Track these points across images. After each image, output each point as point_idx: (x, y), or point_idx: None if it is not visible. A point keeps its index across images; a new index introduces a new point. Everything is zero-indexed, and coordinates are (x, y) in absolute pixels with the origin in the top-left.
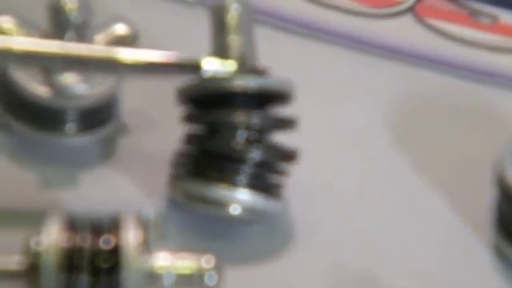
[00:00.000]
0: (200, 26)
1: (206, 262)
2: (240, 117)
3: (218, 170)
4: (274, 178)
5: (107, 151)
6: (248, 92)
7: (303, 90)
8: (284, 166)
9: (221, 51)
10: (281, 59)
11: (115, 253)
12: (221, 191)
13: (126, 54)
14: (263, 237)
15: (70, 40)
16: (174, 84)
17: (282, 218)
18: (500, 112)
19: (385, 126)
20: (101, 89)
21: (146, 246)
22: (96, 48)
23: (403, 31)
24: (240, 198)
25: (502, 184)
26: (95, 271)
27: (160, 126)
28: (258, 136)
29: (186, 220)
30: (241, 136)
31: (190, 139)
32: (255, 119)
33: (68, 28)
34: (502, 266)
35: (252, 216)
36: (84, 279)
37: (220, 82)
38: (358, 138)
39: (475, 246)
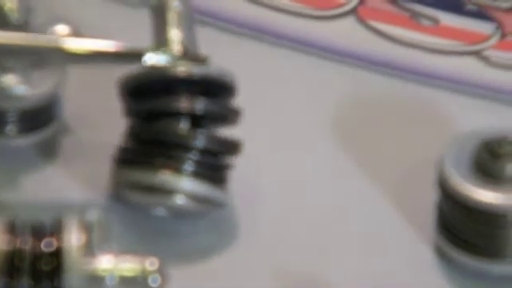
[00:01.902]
0: (143, 27)
1: (150, 264)
2: (183, 103)
3: (162, 158)
4: (220, 167)
5: (49, 152)
6: (191, 78)
7: (245, 91)
8: (228, 156)
9: (162, 43)
10: (223, 60)
11: (57, 255)
12: (165, 179)
13: (70, 43)
14: (207, 233)
15: None
16: (115, 81)
17: (226, 215)
18: (441, 113)
19: (327, 127)
20: (41, 89)
21: (89, 249)
22: (40, 37)
23: (345, 33)
24: (185, 185)
25: (442, 184)
26: (37, 274)
27: (102, 125)
28: (202, 123)
29: (129, 218)
30: (184, 123)
31: (133, 129)
32: (199, 105)
33: (8, 29)
34: (443, 265)
35: (197, 205)
36: (25, 282)
37: (162, 70)
38: (301, 137)
39: (418, 245)
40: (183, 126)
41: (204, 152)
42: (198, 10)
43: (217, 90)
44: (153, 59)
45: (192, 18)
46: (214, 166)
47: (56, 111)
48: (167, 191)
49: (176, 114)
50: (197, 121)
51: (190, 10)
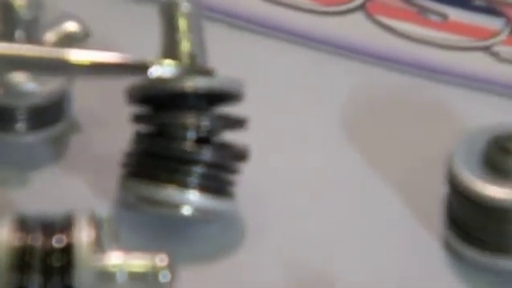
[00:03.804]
0: (151, 23)
1: (160, 260)
2: (189, 118)
3: (168, 172)
4: (226, 178)
5: (58, 150)
6: (197, 92)
7: (255, 88)
8: (235, 165)
9: (170, 52)
10: (233, 57)
11: (67, 251)
12: (172, 193)
13: (75, 55)
14: (215, 236)
15: (19, 37)
16: (126, 82)
17: (234, 217)
18: (451, 109)
19: (337, 123)
20: (51, 87)
21: (99, 245)
22: (45, 49)
23: (354, 29)
24: (191, 199)
25: (451, 180)
26: (47, 270)
27: (112, 124)
28: (208, 137)
29: (136, 220)
30: (190, 137)
31: (140, 139)
32: (205, 120)
33: (18, 25)
34: (452, 261)
35: (204, 216)
36: (36, 278)
37: (169, 83)
38: (310, 134)
39: (427, 241)
40: (189, 139)
41: (210, 165)
42: (207, 6)
43: (223, 100)
44: (159, 71)
45: (201, 19)
46: (221, 177)
47: (66, 108)
48: (174, 205)
49: (182, 128)
50: (203, 133)
51: (199, 9)
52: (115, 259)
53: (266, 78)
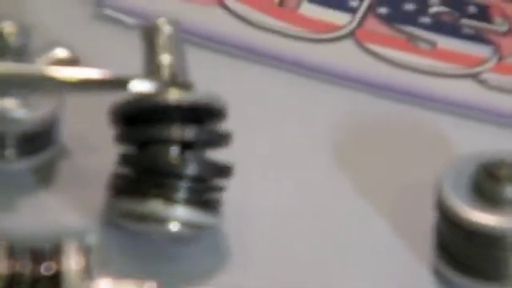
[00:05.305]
0: (138, 48)
1: None
2: (173, 131)
3: (154, 187)
4: (211, 193)
5: (47, 175)
6: (180, 105)
7: (242, 114)
8: (220, 180)
9: (151, 69)
10: (220, 83)
11: (56, 279)
12: (158, 208)
13: (56, 72)
14: (200, 257)
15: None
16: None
17: (219, 237)
18: (439, 136)
19: (324, 148)
20: (41, 113)
21: (88, 273)
22: (29, 66)
23: (343, 56)
24: (178, 214)
25: (440, 206)
26: None
27: (100, 149)
28: (193, 150)
29: (124, 242)
30: (175, 151)
31: (125, 158)
32: (189, 133)
33: (6, 52)
34: None
35: (191, 231)
36: None
37: (151, 98)
38: (296, 159)
39: (416, 268)
40: (173, 153)
41: (196, 179)
42: (195, 32)
43: (206, 115)
44: (138, 87)
45: (182, 42)
46: (206, 192)
47: (55, 135)
48: (160, 220)
49: (166, 142)
50: (187, 147)
51: (179, 32)
52: (104, 287)
53: (254, 104)
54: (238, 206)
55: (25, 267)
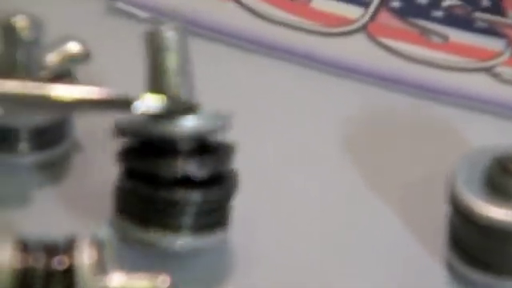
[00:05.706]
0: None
1: (162, 281)
2: (178, 163)
3: (158, 216)
4: (219, 212)
5: (60, 169)
6: (184, 137)
7: (253, 107)
8: (227, 200)
9: (154, 86)
10: (233, 77)
11: (69, 273)
12: (163, 238)
13: (59, 91)
14: (205, 266)
15: (21, 58)
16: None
17: (224, 246)
18: (452, 129)
19: (335, 142)
20: None
21: (101, 267)
22: (29, 85)
23: (356, 50)
24: (183, 241)
25: (453, 201)
26: None
27: (113, 144)
28: (198, 179)
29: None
30: (180, 183)
31: (129, 176)
32: (193, 167)
33: (19, 47)
34: (454, 282)
35: (196, 250)
36: None
37: (156, 127)
38: (307, 152)
39: (429, 263)
40: (178, 184)
41: (201, 204)
42: (206, 26)
43: (210, 145)
44: (142, 107)
45: (187, 51)
46: (212, 213)
47: (68, 129)
48: (166, 247)
49: (172, 175)
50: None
51: (184, 36)
52: (117, 281)
53: (266, 98)
54: (242, 212)
55: (38, 262)
